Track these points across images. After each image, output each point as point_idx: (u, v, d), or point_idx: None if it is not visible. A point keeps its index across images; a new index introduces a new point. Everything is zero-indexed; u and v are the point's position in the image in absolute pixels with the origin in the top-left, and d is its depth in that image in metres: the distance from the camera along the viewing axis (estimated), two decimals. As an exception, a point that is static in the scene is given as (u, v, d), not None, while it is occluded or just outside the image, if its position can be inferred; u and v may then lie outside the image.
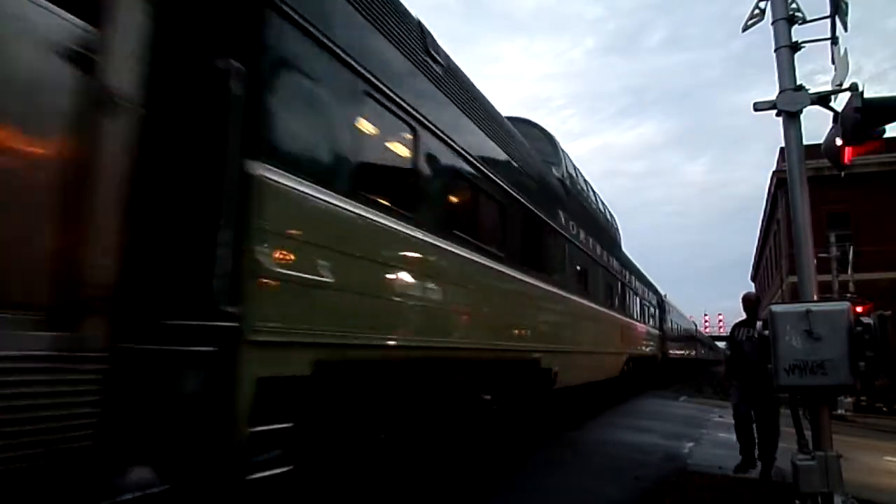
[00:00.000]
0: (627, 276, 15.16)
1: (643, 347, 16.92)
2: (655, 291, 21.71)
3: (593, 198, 12.25)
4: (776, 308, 4.20)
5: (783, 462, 6.13)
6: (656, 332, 20.37)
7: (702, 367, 41.38)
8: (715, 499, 5.37)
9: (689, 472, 6.58)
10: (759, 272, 43.36)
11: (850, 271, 17.84)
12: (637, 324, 15.98)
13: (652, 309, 20.07)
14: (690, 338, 36.96)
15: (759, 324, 6.06)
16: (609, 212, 14.21)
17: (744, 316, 6.85)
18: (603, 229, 12.37)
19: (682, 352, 31.04)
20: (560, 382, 7.50)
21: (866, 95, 4.07)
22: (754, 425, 6.48)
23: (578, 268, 9.43)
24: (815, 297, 4.31)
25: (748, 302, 6.82)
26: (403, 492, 4.61)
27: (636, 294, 16.48)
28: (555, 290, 7.75)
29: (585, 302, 9.60)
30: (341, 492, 3.73)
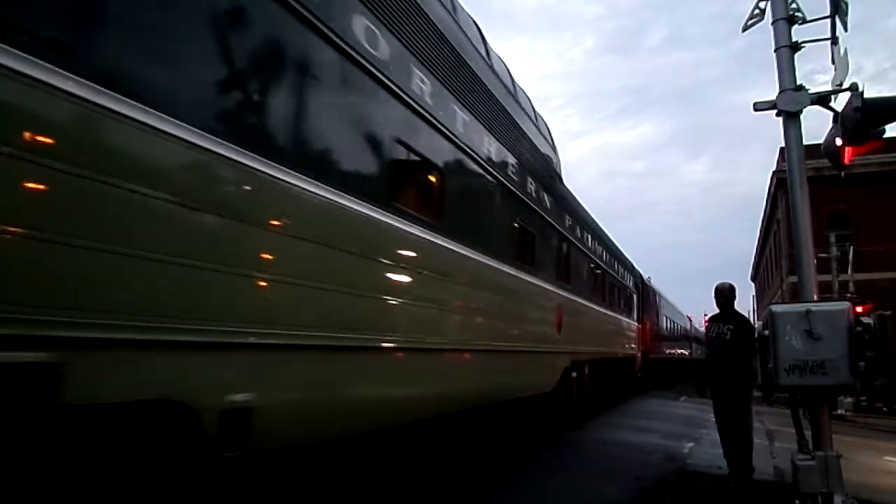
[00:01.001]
0: (577, 232, 9.42)
1: (609, 345, 11.93)
2: (632, 270, 16.48)
3: (490, 61, 6.29)
4: (776, 308, 4.19)
5: (783, 462, 6.13)
6: (633, 324, 15.61)
7: (698, 369, 37.48)
8: (715, 499, 5.37)
9: (689, 472, 6.58)
10: (759, 272, 43.34)
11: (850, 271, 17.84)
12: (594, 307, 10.53)
13: (626, 292, 14.97)
14: (684, 335, 31.76)
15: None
16: (538, 115, 8.27)
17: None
18: (510, 117, 6.54)
19: (671, 351, 25.73)
20: (283, 436, 3.01)
21: (866, 95, 4.07)
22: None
23: (410, 152, 4.29)
24: (815, 297, 4.31)
25: (720, 294, 5.97)
26: (404, 492, 4.60)
27: (595, 263, 10.97)
28: (268, 172, 2.81)
29: (423, 234, 4.33)
30: (339, 491, 3.73)
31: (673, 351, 26.75)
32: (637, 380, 16.59)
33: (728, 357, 5.65)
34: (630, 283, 15.95)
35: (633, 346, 15.20)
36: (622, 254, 15.20)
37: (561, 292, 8.14)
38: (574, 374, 8.76)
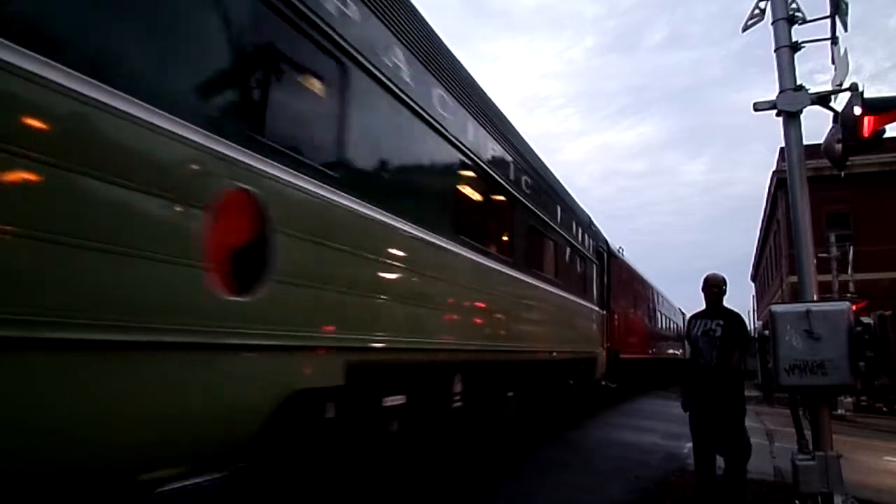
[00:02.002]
0: (390, 55, 3.99)
1: (523, 337, 6.67)
2: (588, 227, 10.66)
3: None
4: (776, 308, 4.20)
5: (783, 462, 6.14)
6: (593, 309, 10.58)
7: (679, 373, 29.22)
8: (715, 499, 5.36)
9: (689, 471, 6.57)
10: (759, 272, 43.35)
11: (850, 271, 17.85)
12: (464, 255, 5.10)
13: (575, 257, 9.51)
14: (674, 330, 26.47)
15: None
16: None
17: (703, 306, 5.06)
18: None
19: (656, 350, 20.46)
20: None
21: (867, 94, 4.07)
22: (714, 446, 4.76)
23: None
24: (815, 297, 4.31)
25: (714, 285, 4.92)
26: (405, 493, 4.59)
27: (474, 162, 5.44)
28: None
29: None
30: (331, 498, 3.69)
31: (658, 350, 20.88)
32: (600, 390, 11.78)
33: (718, 358, 4.66)
34: (587, 246, 10.27)
35: (592, 341, 10.35)
36: (576, 206, 9.69)
37: (262, 165, 2.80)
38: (398, 402, 4.13)
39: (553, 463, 6.70)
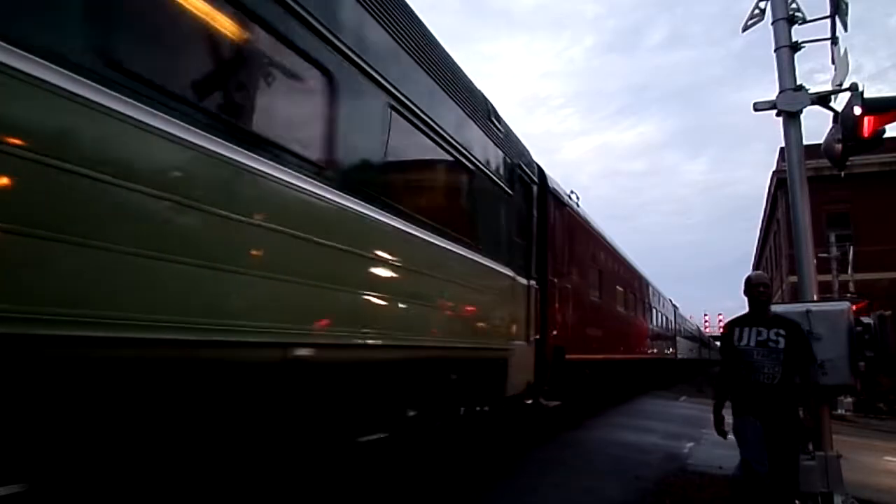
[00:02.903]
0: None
1: (254, 313, 2.66)
2: (483, 120, 5.65)
3: None
4: (776, 308, 4.20)
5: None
6: (500, 273, 5.89)
7: (685, 371, 27.35)
8: (715, 499, 5.37)
9: (689, 472, 6.58)
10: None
11: (850, 271, 17.85)
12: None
13: (451, 172, 5.07)
14: (662, 325, 21.35)
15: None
16: None
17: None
18: None
19: (633, 348, 15.12)
20: None
21: (867, 94, 4.08)
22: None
23: None
24: (815, 297, 4.31)
25: (758, 286, 4.01)
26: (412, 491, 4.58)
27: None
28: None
29: None
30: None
31: (636, 348, 15.57)
32: (525, 415, 7.20)
33: (783, 375, 3.78)
34: (483, 154, 5.65)
35: (497, 329, 5.99)
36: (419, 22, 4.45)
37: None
38: None
39: (553, 463, 6.69)
